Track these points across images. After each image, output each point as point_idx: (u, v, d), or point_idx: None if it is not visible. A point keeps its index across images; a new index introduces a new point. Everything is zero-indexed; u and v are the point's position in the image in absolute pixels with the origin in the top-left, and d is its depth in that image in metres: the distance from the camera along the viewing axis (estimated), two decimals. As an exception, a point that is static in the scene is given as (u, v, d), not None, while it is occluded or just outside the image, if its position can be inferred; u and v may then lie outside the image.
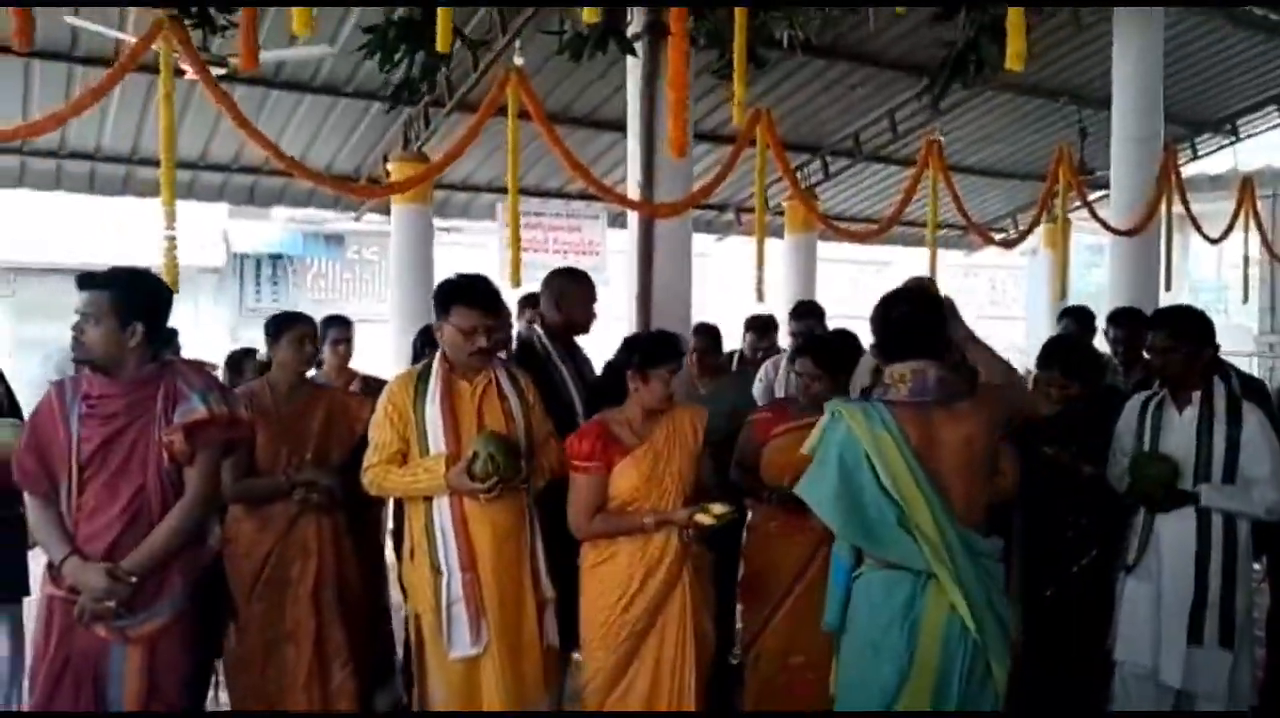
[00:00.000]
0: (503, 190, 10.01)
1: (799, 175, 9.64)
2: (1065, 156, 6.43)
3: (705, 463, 3.36)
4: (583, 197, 10.05)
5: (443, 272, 8.92)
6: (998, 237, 9.89)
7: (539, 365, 3.72)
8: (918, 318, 2.71)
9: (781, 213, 10.63)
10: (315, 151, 8.69)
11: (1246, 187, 8.13)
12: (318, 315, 4.10)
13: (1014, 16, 3.71)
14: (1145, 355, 3.94)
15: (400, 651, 4.38)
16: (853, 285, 15.76)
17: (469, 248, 12.98)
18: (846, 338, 4.06)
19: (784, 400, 3.82)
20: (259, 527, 3.51)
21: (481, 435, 3.09)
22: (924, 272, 5.89)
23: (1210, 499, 3.33)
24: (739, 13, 3.91)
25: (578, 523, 3.26)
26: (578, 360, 3.94)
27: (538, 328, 3.93)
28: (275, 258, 15.74)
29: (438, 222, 9.31)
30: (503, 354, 3.59)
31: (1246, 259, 8.58)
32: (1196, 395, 3.43)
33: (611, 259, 9.40)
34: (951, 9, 5.10)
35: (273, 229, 15.22)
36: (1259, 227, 8.36)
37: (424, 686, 3.25)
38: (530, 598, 3.20)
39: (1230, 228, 8.20)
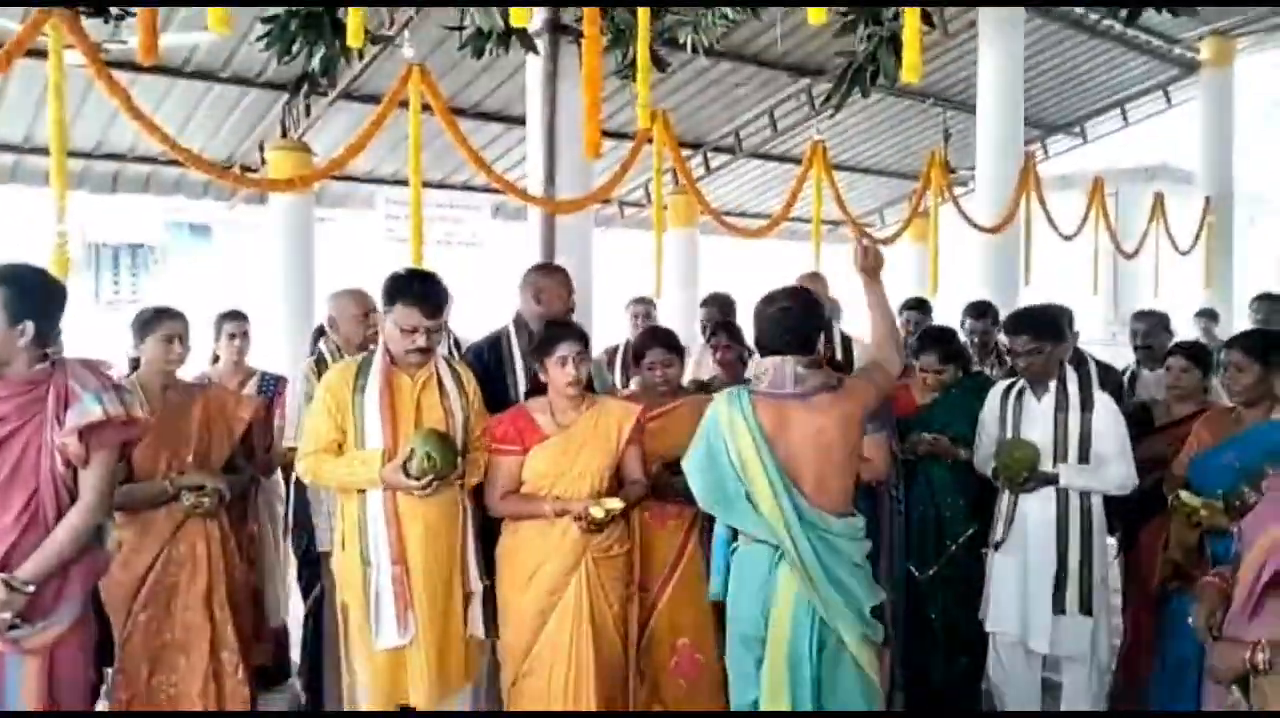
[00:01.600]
0: (380, 180, 9.93)
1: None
2: (937, 159, 6.79)
3: (633, 459, 3.41)
4: (465, 188, 10.00)
5: (322, 262, 8.73)
6: (870, 231, 10.30)
7: (499, 364, 3.71)
8: (786, 318, 2.91)
9: (665, 207, 10.80)
10: (187, 138, 8.35)
11: (1097, 186, 8.71)
12: (182, 309, 3.82)
13: (910, 31, 3.90)
14: (1000, 346, 4.24)
15: (297, 652, 4.34)
16: (730, 277, 16.08)
17: (343, 239, 12.69)
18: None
19: (641, 392, 3.87)
20: (139, 534, 3.36)
21: (419, 433, 3.09)
22: (797, 264, 6.15)
23: (1068, 479, 3.60)
24: (643, 16, 4.00)
25: (489, 501, 3.35)
26: None
27: (510, 325, 3.88)
28: (135, 248, 15.00)
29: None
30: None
31: (1097, 254, 9.17)
32: (1053, 384, 3.71)
33: (495, 250, 9.38)
34: (855, 12, 5.33)
35: (132, 218, 14.50)
36: (1108, 224, 8.98)
37: (350, 675, 3.26)
38: (458, 590, 3.24)
39: (1082, 225, 8.78)
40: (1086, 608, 3.59)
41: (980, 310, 5.12)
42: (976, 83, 7.75)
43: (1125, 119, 12.60)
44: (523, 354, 3.75)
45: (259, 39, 5.13)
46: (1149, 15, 6.80)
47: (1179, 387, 3.94)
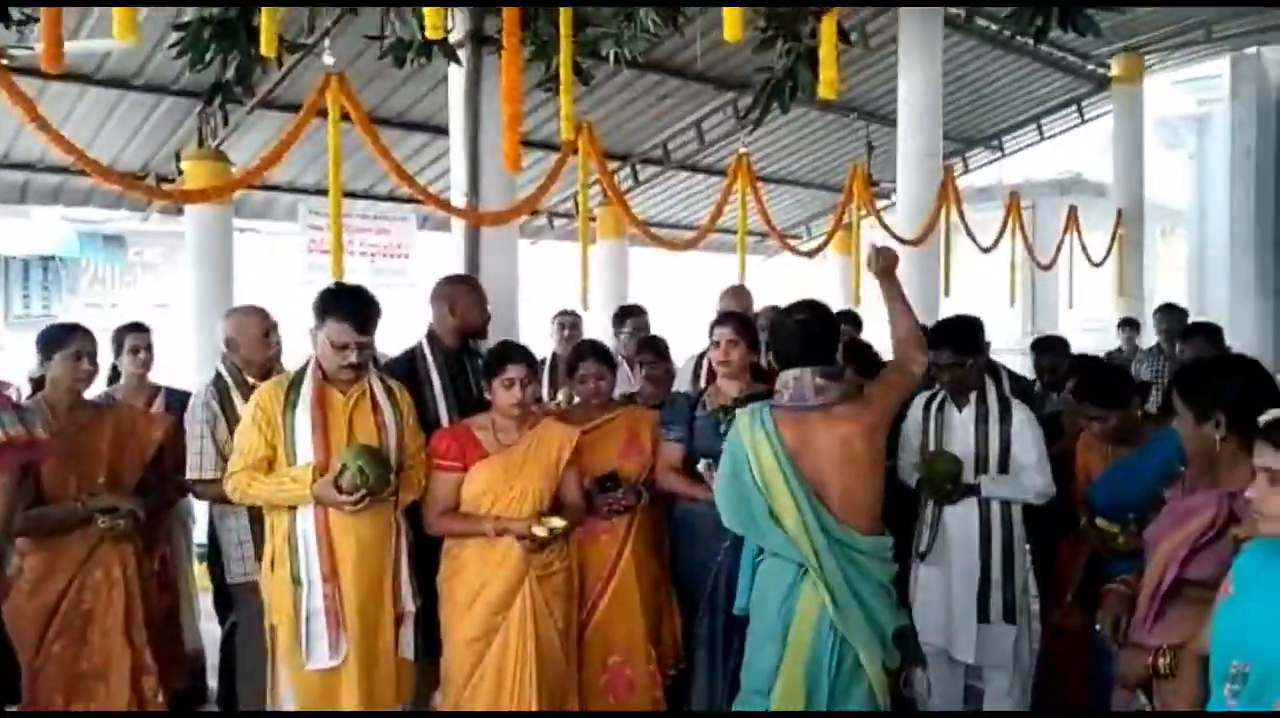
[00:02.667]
0: (303, 191, 9.73)
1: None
2: (859, 173, 6.90)
3: (571, 482, 3.40)
4: (391, 198, 9.85)
5: (242, 274, 8.51)
6: (794, 244, 10.42)
7: (415, 380, 3.63)
8: (802, 330, 2.94)
9: (594, 219, 10.79)
10: (99, 148, 8.07)
11: (1014, 199, 8.94)
12: (94, 322, 3.74)
13: (826, 49, 3.96)
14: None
15: (215, 679, 4.21)
16: (660, 289, 16.10)
17: (264, 250, 12.41)
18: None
19: (573, 408, 3.88)
20: (50, 560, 3.24)
21: (351, 448, 3.06)
22: (724, 275, 6.21)
23: (989, 489, 3.67)
24: (564, 27, 3.98)
25: (427, 518, 3.31)
26: (476, 366, 3.71)
27: (424, 340, 3.79)
28: (46, 260, 14.50)
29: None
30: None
31: (1014, 265, 9.39)
32: (973, 395, 3.79)
33: (421, 262, 9.24)
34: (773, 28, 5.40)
35: (43, 229, 13.99)
36: (1024, 237, 9.21)
37: (276, 697, 3.18)
38: (389, 611, 3.19)
39: (1000, 237, 8.99)
40: (1010, 616, 3.65)
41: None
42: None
43: (1041, 133, 12.95)
44: (438, 369, 3.70)
45: (171, 46, 4.98)
46: (1062, 32, 7.01)
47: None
